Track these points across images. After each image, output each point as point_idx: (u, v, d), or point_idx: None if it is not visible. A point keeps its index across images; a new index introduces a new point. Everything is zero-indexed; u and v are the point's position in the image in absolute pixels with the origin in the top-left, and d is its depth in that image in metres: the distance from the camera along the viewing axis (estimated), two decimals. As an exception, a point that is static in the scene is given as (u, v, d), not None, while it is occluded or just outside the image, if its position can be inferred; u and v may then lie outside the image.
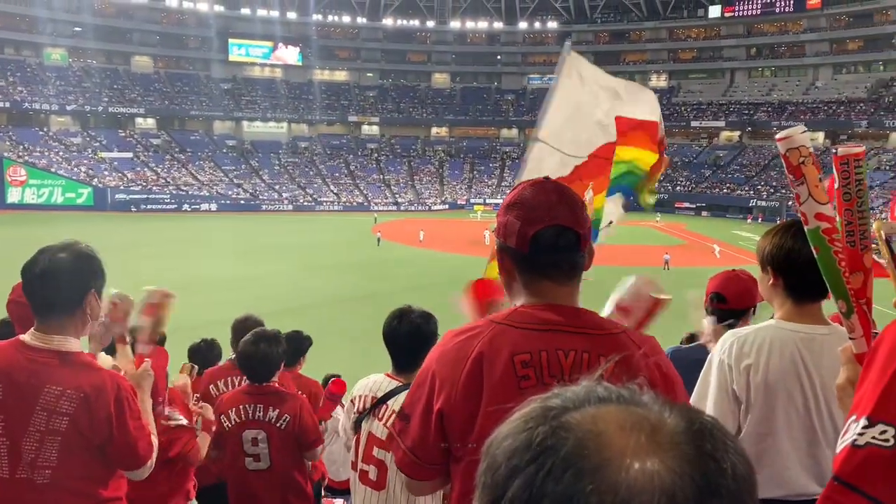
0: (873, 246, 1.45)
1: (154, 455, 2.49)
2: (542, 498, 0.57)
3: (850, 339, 1.47)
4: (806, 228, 1.52)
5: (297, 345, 5.40)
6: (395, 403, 3.00)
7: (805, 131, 1.51)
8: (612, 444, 0.59)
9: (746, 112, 75.04)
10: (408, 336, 3.08)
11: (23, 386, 2.25)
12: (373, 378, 3.21)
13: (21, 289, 3.18)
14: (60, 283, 2.32)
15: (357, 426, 3.12)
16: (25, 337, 2.34)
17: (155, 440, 2.55)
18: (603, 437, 0.59)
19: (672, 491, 0.56)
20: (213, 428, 3.84)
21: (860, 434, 1.11)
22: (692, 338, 4.59)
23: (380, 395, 3.08)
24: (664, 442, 0.59)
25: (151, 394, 2.77)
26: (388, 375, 3.17)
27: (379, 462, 2.96)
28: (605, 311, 2.52)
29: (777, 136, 1.52)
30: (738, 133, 76.47)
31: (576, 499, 0.56)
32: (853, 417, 1.16)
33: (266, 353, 3.85)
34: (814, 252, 1.51)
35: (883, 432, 1.09)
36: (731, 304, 3.17)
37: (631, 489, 0.56)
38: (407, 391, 3.02)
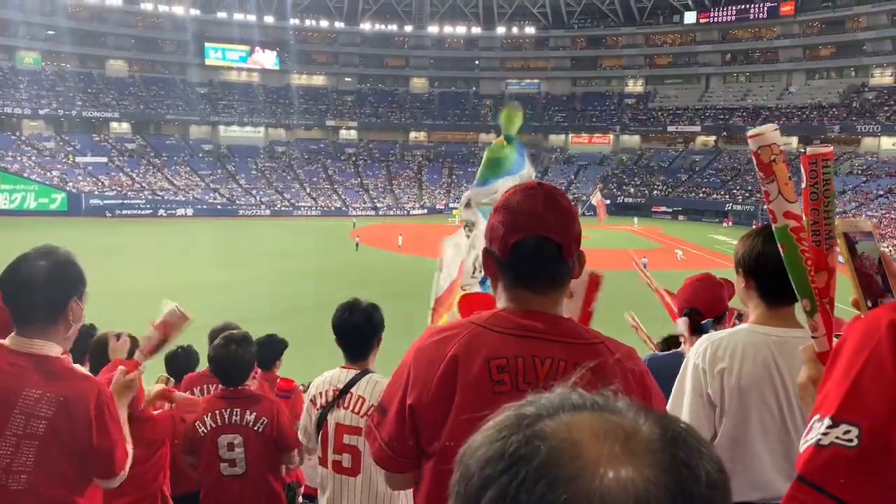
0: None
1: (128, 466, 2.47)
2: None
3: (813, 337, 1.49)
4: (774, 226, 1.53)
5: (273, 348, 5.38)
6: (359, 390, 3.12)
7: (777, 129, 1.52)
8: (586, 452, 0.59)
9: (722, 117, 75.90)
10: (358, 327, 3.20)
11: (1, 389, 2.23)
12: (328, 373, 3.30)
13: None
14: (41, 295, 2.29)
15: (321, 421, 3.17)
16: (6, 341, 2.32)
17: (130, 449, 2.53)
18: (577, 446, 0.59)
19: (646, 499, 0.56)
20: (174, 393, 3.72)
21: (824, 434, 1.11)
22: (667, 341, 4.62)
23: (340, 385, 3.16)
24: (638, 450, 0.59)
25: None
26: (343, 367, 3.27)
27: (352, 448, 3.04)
28: None
29: (749, 134, 1.52)
30: (713, 138, 77.31)
31: None
32: (816, 416, 1.16)
33: (237, 354, 3.81)
34: (780, 250, 1.52)
35: (847, 432, 1.08)
36: (705, 316, 3.22)
37: (605, 498, 0.55)
38: (367, 377, 3.14)
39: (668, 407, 2.30)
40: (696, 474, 0.59)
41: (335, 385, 3.18)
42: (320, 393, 3.22)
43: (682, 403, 2.30)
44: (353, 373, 3.19)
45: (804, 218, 1.48)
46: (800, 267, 1.50)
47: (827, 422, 1.12)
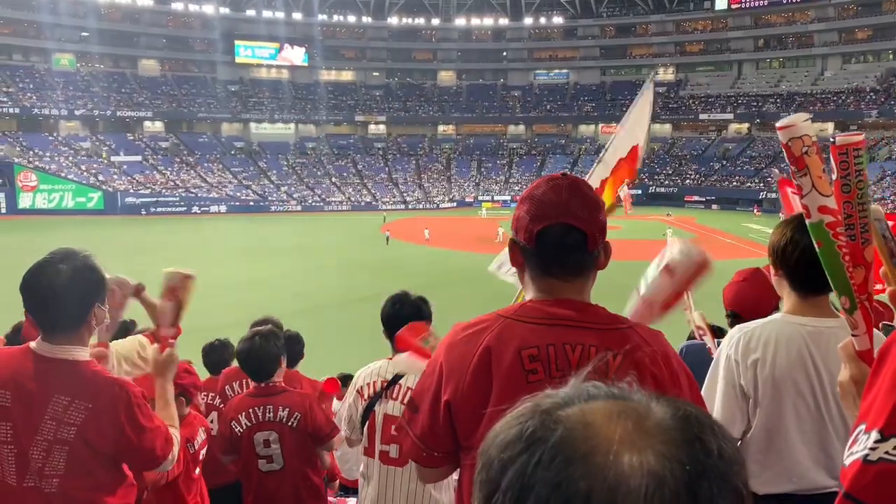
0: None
1: (175, 447, 2.52)
2: (535, 485, 0.58)
3: (853, 335, 1.44)
4: (808, 222, 1.47)
5: (292, 346, 5.36)
6: (408, 381, 3.11)
7: (808, 119, 1.46)
8: (600, 432, 0.60)
9: (755, 104, 74.58)
10: (408, 319, 3.13)
11: (31, 395, 2.25)
12: (374, 365, 3.31)
13: None
14: (64, 305, 2.30)
15: (368, 413, 3.18)
16: (34, 345, 2.34)
17: (175, 433, 2.57)
18: (591, 427, 0.61)
19: (661, 474, 0.57)
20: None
21: (872, 448, 1.05)
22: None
23: (388, 377, 3.17)
24: (651, 428, 0.60)
25: None
26: (390, 359, 3.25)
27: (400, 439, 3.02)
28: (649, 271, 2.48)
29: (778, 125, 1.47)
30: (746, 125, 76.03)
31: (565, 484, 0.57)
32: (861, 427, 1.10)
33: (262, 347, 3.85)
34: (816, 247, 1.47)
35: None
36: (745, 320, 3.10)
37: (620, 474, 0.56)
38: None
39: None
40: (709, 448, 0.60)
41: (383, 376, 3.20)
42: (368, 384, 3.24)
43: (715, 395, 2.28)
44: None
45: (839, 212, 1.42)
46: (837, 264, 1.44)
47: (874, 435, 1.05)
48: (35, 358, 2.31)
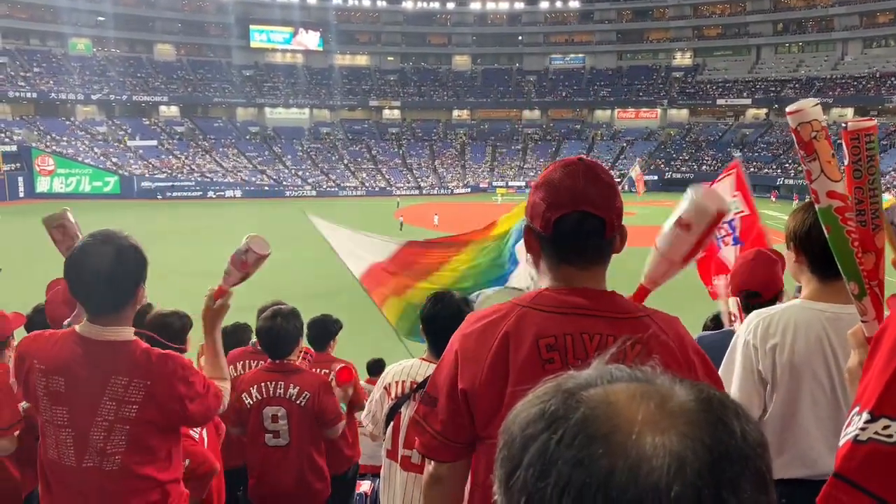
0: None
1: (225, 399, 2.64)
2: (556, 462, 0.59)
3: (862, 321, 1.44)
4: (817, 207, 1.47)
5: (326, 329, 5.38)
6: None
7: (817, 104, 1.44)
8: (622, 412, 0.60)
9: (773, 89, 73.66)
10: (448, 319, 3.08)
11: (85, 379, 2.28)
12: (406, 363, 3.23)
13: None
14: (111, 286, 2.32)
15: (393, 413, 3.11)
16: (80, 329, 2.36)
17: (225, 385, 2.67)
18: (613, 407, 0.61)
19: (683, 455, 0.56)
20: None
21: (862, 429, 1.06)
22: (717, 319, 4.53)
23: (419, 379, 3.08)
24: (674, 409, 0.60)
25: None
26: (423, 359, 3.21)
27: None
28: (665, 227, 2.31)
29: (787, 110, 1.46)
30: (764, 110, 75.15)
31: (587, 462, 0.57)
32: (856, 409, 1.11)
33: (282, 327, 3.92)
34: (825, 232, 1.47)
35: (886, 427, 1.04)
36: (764, 297, 3.11)
37: (642, 453, 0.56)
38: None
39: None
40: (732, 429, 0.60)
41: (413, 377, 3.12)
42: (396, 382, 3.16)
43: (732, 380, 2.28)
44: (433, 367, 3.11)
45: (849, 197, 1.41)
46: (846, 249, 1.44)
47: (865, 416, 1.07)
48: (84, 342, 2.33)
